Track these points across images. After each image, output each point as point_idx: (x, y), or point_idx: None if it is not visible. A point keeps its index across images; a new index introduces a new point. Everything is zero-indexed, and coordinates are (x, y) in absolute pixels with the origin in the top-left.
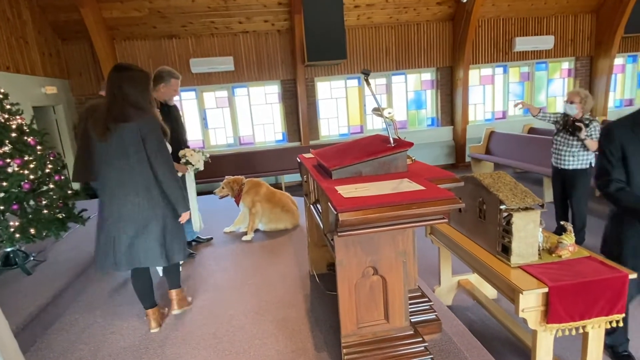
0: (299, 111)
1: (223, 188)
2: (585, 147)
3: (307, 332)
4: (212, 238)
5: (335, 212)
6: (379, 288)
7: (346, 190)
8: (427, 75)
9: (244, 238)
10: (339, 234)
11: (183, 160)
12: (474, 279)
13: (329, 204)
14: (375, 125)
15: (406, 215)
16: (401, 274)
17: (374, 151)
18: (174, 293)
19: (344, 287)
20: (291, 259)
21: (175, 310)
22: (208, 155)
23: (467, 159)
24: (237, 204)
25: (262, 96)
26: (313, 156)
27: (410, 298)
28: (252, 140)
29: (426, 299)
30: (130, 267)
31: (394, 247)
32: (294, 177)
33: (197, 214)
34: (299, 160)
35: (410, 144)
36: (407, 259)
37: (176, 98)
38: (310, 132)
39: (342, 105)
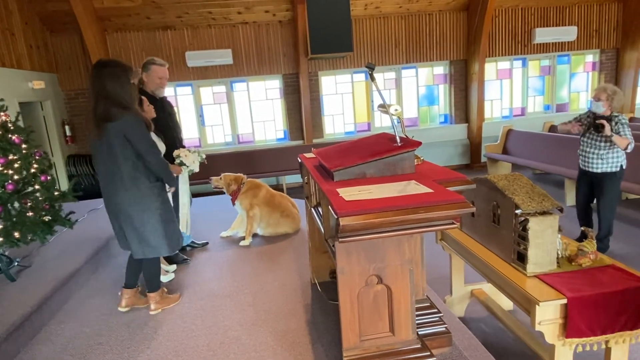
0: (301, 107)
1: (220, 179)
2: (612, 145)
3: (307, 345)
4: (207, 243)
5: (336, 217)
6: (384, 298)
7: (348, 193)
8: (440, 69)
9: (242, 243)
10: (340, 239)
11: (177, 161)
12: (488, 288)
13: (329, 207)
14: (383, 122)
15: (412, 220)
16: (407, 283)
17: (379, 151)
18: (152, 296)
19: (346, 297)
20: (291, 265)
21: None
22: (204, 156)
23: (483, 159)
24: (233, 203)
25: (262, 91)
26: (314, 156)
27: (418, 309)
28: (252, 138)
29: (435, 310)
30: (140, 255)
31: (399, 254)
32: (296, 178)
33: (185, 218)
34: (299, 161)
35: (418, 143)
36: (414, 266)
37: (170, 93)
38: (313, 130)
39: (348, 101)
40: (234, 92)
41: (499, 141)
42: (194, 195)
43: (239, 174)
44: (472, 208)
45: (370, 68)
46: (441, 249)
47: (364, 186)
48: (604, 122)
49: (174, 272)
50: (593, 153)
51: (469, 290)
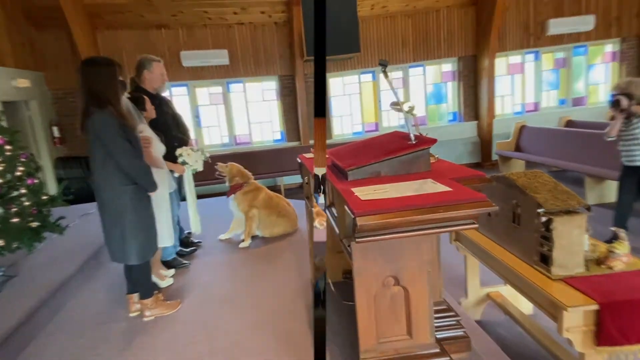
0: (297, 109)
1: (226, 167)
2: None
3: (310, 346)
4: (195, 249)
5: (353, 216)
6: (401, 300)
7: (364, 192)
8: (448, 66)
9: (241, 245)
10: (357, 239)
11: (180, 160)
12: (506, 291)
13: (345, 207)
14: (391, 122)
15: (431, 219)
16: (425, 284)
17: (393, 149)
18: (144, 302)
19: (362, 299)
20: (291, 265)
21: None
22: (208, 154)
23: (494, 157)
24: (228, 195)
25: (259, 93)
26: (328, 156)
27: (435, 312)
28: (249, 139)
29: (453, 313)
30: (113, 260)
31: (417, 255)
32: (293, 179)
33: (197, 217)
34: (299, 161)
35: (434, 141)
36: (432, 268)
37: (166, 93)
38: (310, 131)
39: (354, 102)
40: (230, 93)
41: (511, 138)
42: (196, 196)
43: (247, 172)
44: (494, 207)
45: (383, 65)
46: (455, 249)
47: (379, 185)
48: (620, 97)
49: (172, 277)
50: (636, 145)
51: (486, 292)
